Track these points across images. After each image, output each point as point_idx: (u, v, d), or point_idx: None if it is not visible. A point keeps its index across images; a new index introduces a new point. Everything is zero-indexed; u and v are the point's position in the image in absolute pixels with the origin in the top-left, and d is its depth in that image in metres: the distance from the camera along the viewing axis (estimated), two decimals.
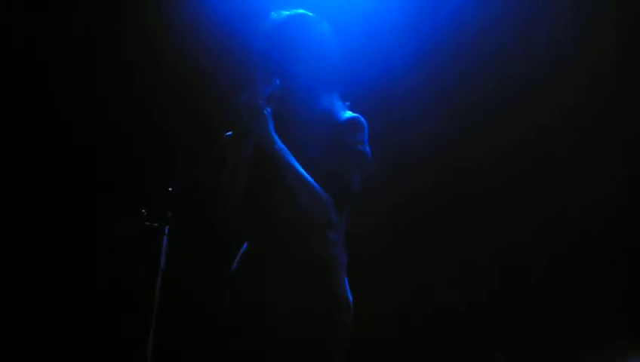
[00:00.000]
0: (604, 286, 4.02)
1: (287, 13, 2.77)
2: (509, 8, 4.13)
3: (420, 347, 4.13)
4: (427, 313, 4.16)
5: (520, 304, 4.07)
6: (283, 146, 2.56)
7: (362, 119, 2.71)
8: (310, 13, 2.80)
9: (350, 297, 2.68)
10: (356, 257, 2.79)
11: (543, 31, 4.11)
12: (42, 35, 4.44)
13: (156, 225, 2.67)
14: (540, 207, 4.08)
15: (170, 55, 4.38)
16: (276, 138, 2.56)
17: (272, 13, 2.78)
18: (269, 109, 2.55)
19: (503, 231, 4.11)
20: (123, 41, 4.46)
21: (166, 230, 2.67)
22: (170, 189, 2.66)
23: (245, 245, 2.71)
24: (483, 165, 4.14)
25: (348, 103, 2.78)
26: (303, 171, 2.55)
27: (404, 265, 4.19)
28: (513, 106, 4.13)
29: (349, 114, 2.72)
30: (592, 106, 4.07)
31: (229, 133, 2.69)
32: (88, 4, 4.45)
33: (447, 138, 4.18)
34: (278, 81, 2.60)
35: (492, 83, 4.15)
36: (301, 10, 2.79)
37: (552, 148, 4.10)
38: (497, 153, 4.12)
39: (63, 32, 4.45)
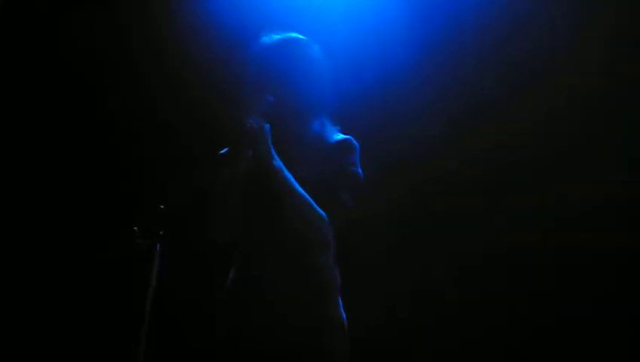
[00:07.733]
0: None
1: (279, 37, 2.78)
2: (506, 11, 4.18)
3: (412, 347, 4.11)
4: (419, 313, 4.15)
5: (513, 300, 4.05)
6: (281, 164, 2.57)
7: (354, 141, 2.74)
8: (301, 37, 2.80)
9: (344, 318, 2.69)
10: (347, 260, 2.79)
11: (541, 34, 4.15)
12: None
13: (148, 242, 2.66)
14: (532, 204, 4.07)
15: (168, 66, 4.35)
16: (275, 155, 2.57)
17: (264, 37, 2.78)
18: (267, 126, 2.57)
19: (496, 229, 4.11)
20: (125, 57, 4.45)
21: (157, 247, 2.67)
22: (162, 206, 2.66)
23: (239, 266, 2.69)
24: (477, 165, 4.16)
25: (339, 127, 2.79)
26: (300, 189, 2.57)
27: (397, 266, 4.18)
28: (509, 107, 4.17)
29: (340, 136, 2.74)
30: (579, 117, 4.09)
31: (224, 150, 2.70)
32: (96, 17, 4.45)
33: (441, 139, 4.21)
34: (271, 99, 2.61)
35: (489, 85, 4.20)
36: (293, 34, 2.79)
37: (543, 145, 4.13)
38: (491, 152, 4.15)
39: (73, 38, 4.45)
